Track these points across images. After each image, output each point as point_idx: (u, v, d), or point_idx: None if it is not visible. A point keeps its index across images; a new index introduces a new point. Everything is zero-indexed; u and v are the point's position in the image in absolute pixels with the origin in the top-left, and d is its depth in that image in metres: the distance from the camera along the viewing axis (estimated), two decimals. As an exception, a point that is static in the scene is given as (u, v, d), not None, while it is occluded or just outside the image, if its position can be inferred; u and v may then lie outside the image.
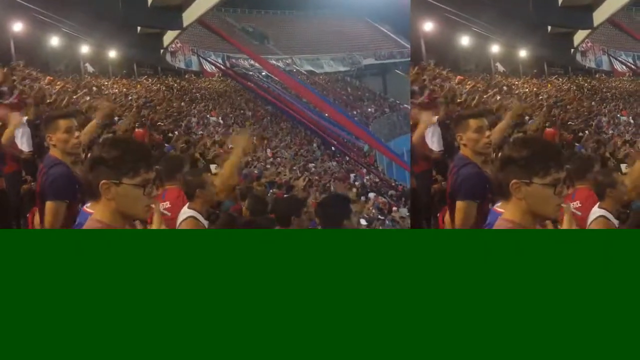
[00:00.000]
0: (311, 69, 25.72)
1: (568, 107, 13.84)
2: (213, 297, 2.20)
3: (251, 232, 2.86)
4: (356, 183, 17.72)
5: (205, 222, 4.11)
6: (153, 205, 2.27)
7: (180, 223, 4.07)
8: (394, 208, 14.49)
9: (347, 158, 19.66)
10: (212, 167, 4.42)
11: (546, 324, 2.22)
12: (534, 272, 2.24)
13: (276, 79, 22.42)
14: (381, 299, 2.23)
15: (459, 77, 12.91)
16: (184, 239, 2.29)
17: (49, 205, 3.72)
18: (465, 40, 14.44)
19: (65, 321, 2.17)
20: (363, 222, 11.50)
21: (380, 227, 12.38)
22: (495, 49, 15.58)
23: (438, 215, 4.87)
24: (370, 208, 13.83)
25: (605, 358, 2.20)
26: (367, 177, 18.71)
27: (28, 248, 2.23)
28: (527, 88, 14.98)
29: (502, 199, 2.33)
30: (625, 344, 2.20)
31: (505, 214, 2.30)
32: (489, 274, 2.24)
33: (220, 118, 20.81)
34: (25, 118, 8.28)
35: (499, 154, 2.34)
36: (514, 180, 2.19)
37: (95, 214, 2.29)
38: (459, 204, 3.83)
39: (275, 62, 24.53)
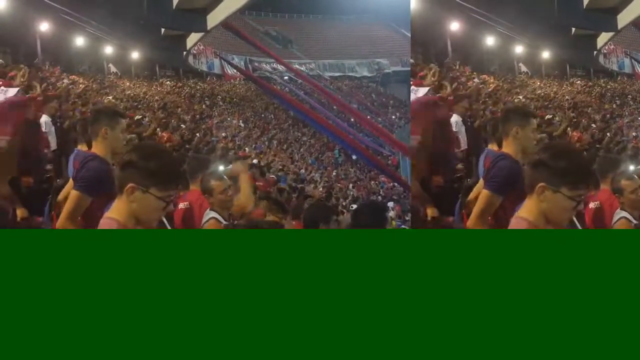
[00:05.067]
0: (335, 74, 26.31)
1: (588, 109, 14.61)
2: (214, 296, 2.32)
3: (252, 232, 3.03)
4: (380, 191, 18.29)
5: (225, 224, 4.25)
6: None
7: (203, 224, 4.28)
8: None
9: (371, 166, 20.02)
10: (221, 168, 4.50)
11: (547, 325, 2.27)
12: (536, 273, 2.30)
13: (298, 83, 23.11)
14: (381, 299, 2.30)
15: (483, 76, 13.70)
16: (193, 239, 2.43)
17: (74, 193, 3.79)
18: (489, 41, 15.33)
19: (71, 321, 2.29)
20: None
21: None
22: (518, 49, 16.46)
23: (462, 211, 5.01)
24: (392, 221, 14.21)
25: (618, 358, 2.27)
26: (389, 185, 19.14)
27: (49, 247, 2.35)
28: (548, 89, 15.76)
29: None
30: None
31: (521, 212, 2.43)
32: (490, 274, 2.31)
33: (241, 121, 21.54)
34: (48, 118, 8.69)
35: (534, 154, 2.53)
36: (542, 184, 2.33)
37: (110, 212, 2.45)
38: (484, 192, 3.95)
39: (298, 67, 25.29)
